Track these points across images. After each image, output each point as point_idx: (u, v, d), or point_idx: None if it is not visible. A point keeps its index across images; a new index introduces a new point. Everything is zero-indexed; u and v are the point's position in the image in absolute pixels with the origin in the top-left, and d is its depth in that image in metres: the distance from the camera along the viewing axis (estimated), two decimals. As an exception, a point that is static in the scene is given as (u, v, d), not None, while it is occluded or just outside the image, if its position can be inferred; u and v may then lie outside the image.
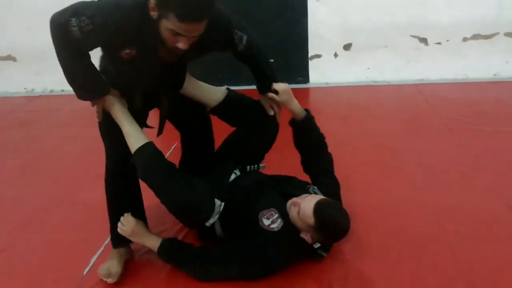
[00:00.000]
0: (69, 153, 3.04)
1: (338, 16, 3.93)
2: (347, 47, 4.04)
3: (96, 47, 1.63)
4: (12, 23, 4.14)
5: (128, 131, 1.75)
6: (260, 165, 2.11)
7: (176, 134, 2.15)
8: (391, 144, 2.88)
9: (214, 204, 1.79)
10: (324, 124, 3.29)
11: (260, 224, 1.76)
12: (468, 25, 3.88)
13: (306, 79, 4.12)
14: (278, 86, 1.95)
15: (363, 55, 4.04)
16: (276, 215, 1.78)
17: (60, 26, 1.52)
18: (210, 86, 2.04)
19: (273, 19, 3.92)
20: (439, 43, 3.96)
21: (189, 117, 2.06)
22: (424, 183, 2.40)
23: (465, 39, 3.93)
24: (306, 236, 1.73)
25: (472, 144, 2.78)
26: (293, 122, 2.04)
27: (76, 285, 1.83)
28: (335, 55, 4.07)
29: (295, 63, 4.10)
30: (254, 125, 2.02)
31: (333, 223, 1.70)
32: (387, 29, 3.93)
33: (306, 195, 1.78)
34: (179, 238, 2.04)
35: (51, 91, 4.34)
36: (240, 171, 2.03)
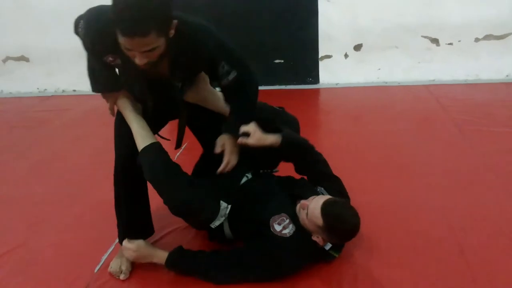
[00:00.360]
0: (81, 153, 3.07)
1: (349, 17, 3.92)
2: (357, 47, 4.03)
3: None
4: (25, 24, 4.18)
5: (136, 130, 1.78)
6: (274, 169, 2.11)
7: (186, 135, 2.16)
8: (402, 145, 2.86)
9: (218, 206, 1.79)
10: (334, 125, 3.33)
11: (272, 230, 1.75)
12: (480, 26, 3.84)
13: (316, 79, 4.11)
14: (247, 128, 1.81)
15: (374, 55, 4.03)
16: (288, 220, 1.77)
17: (74, 25, 1.63)
18: None
19: (284, 19, 3.92)
20: (450, 44, 3.93)
21: (209, 129, 2.00)
22: (435, 184, 2.39)
23: (477, 40, 3.90)
24: (318, 239, 1.72)
25: (483, 145, 2.76)
26: (276, 150, 1.92)
27: (86, 283, 1.85)
28: (346, 55, 4.06)
29: (306, 64, 4.09)
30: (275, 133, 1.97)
31: (341, 221, 1.69)
32: (398, 30, 3.91)
33: (314, 196, 1.78)
34: (188, 239, 2.06)
35: (63, 91, 4.38)
36: (252, 174, 2.02)
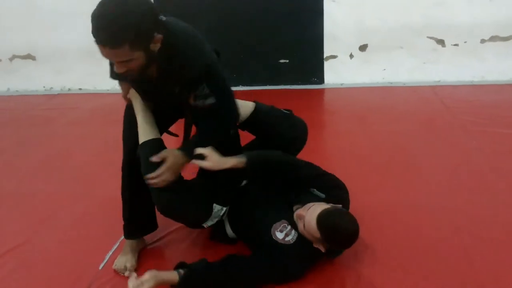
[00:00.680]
0: (87, 151, 3.09)
1: (354, 17, 3.91)
2: (362, 48, 4.02)
3: None
4: (32, 23, 4.20)
5: (140, 123, 1.80)
6: None
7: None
8: (407, 146, 2.86)
9: (210, 208, 1.80)
10: (338, 125, 3.33)
11: (274, 238, 1.75)
12: (486, 27, 3.83)
13: (321, 80, 4.11)
14: (203, 150, 1.74)
15: (379, 56, 4.02)
16: (289, 227, 1.77)
17: None
18: (237, 100, 1.91)
19: (289, 19, 3.92)
20: (456, 45, 3.92)
21: None
22: (440, 185, 2.38)
23: (483, 41, 3.88)
24: (319, 246, 1.71)
25: (489, 147, 2.75)
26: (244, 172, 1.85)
27: (91, 280, 1.87)
28: (351, 56, 4.05)
29: (311, 64, 4.09)
30: (282, 139, 1.95)
31: (339, 232, 1.65)
32: (404, 30, 3.90)
33: (310, 204, 1.73)
34: (190, 239, 2.07)
35: (69, 89, 4.40)
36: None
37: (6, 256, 2.05)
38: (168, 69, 1.60)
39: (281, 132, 1.92)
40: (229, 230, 1.93)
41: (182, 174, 1.83)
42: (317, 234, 1.65)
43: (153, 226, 2.02)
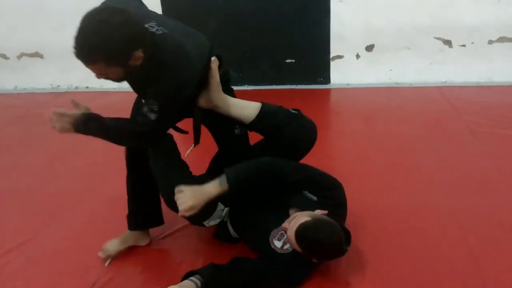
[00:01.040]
0: (93, 148, 3.09)
1: (361, 17, 3.90)
2: (369, 48, 4.02)
3: None
4: (39, 21, 4.23)
5: None
6: None
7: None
8: (413, 147, 2.85)
9: (215, 206, 1.81)
10: (344, 125, 3.33)
11: (273, 247, 1.76)
12: (494, 28, 3.81)
13: (327, 79, 4.10)
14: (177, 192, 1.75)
15: (386, 56, 4.01)
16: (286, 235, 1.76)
17: None
18: (243, 101, 1.90)
19: (295, 19, 3.92)
20: (463, 46, 3.90)
21: (219, 134, 2.01)
22: (446, 186, 2.37)
23: (490, 42, 3.86)
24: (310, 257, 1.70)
25: (495, 148, 2.74)
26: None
27: (97, 277, 1.88)
28: (357, 56, 4.04)
29: (317, 64, 4.09)
30: (290, 140, 1.90)
31: (317, 246, 1.62)
32: (410, 31, 3.89)
33: (293, 215, 1.70)
34: (194, 238, 2.08)
35: (76, 87, 4.43)
36: None
37: (13, 253, 2.07)
38: (144, 78, 1.63)
39: (288, 133, 1.87)
40: (231, 230, 1.95)
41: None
42: (299, 249, 1.64)
43: (157, 221, 2.04)
